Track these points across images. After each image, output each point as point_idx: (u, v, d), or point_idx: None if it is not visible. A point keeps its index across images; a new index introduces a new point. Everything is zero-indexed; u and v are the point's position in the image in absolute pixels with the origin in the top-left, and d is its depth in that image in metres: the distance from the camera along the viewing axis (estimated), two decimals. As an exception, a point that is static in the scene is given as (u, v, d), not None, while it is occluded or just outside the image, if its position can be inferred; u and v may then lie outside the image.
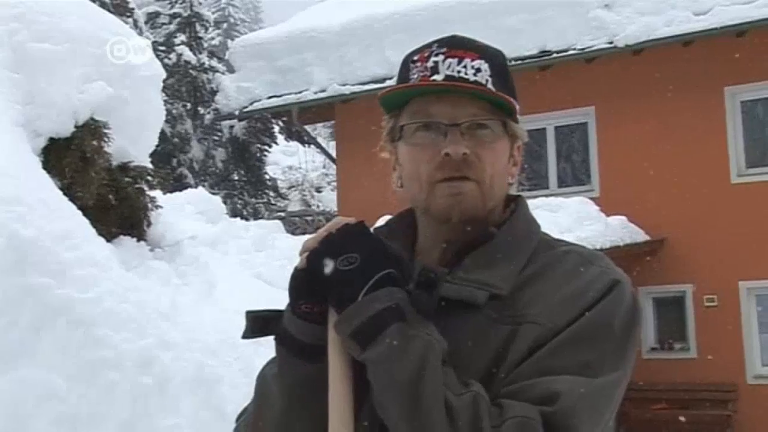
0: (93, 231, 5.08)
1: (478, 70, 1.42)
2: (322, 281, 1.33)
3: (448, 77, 1.40)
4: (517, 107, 1.47)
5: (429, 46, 1.46)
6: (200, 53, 23.11)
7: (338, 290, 1.32)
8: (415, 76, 1.43)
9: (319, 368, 1.34)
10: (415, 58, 1.45)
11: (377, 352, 1.27)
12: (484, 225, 1.44)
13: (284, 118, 17.66)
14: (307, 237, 1.41)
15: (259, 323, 1.43)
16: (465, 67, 1.41)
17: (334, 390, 1.32)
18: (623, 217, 11.87)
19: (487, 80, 1.42)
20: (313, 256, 1.34)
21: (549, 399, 1.24)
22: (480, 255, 1.41)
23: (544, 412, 1.22)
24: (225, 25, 38.48)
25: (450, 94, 1.41)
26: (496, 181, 1.43)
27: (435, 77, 1.41)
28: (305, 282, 1.36)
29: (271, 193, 24.74)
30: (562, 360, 1.28)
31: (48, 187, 5.11)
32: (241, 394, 4.99)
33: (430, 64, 1.42)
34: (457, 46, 1.44)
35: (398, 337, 1.26)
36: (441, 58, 1.42)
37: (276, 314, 1.42)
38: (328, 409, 1.32)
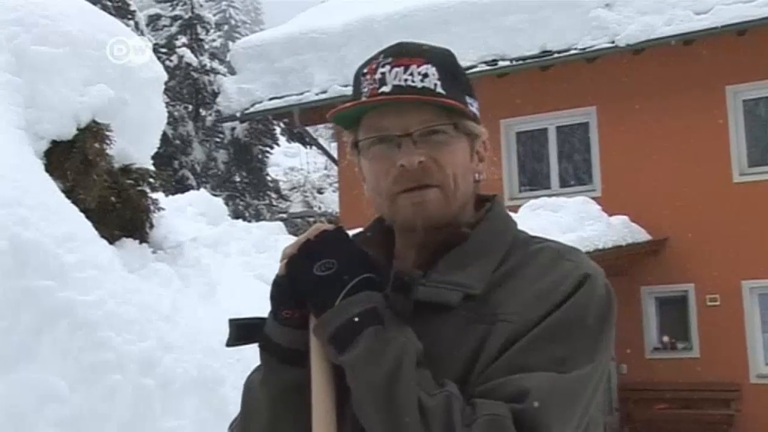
0: (95, 233, 5.08)
1: (425, 75, 1.42)
2: (301, 287, 1.36)
3: (395, 87, 1.41)
4: (472, 106, 1.47)
5: (376, 57, 1.47)
6: (201, 55, 23.15)
7: (316, 295, 1.35)
8: (365, 89, 1.44)
9: (304, 374, 1.37)
10: (365, 70, 1.47)
11: (353, 355, 1.29)
12: (455, 227, 1.45)
13: (285, 120, 17.66)
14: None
15: (242, 331, 1.45)
16: (412, 74, 1.42)
17: (317, 394, 1.35)
18: (625, 217, 11.88)
19: (435, 84, 1.42)
20: (292, 263, 1.38)
21: (519, 396, 1.26)
22: (453, 256, 1.42)
23: (514, 409, 1.24)
24: (226, 27, 38.54)
25: (399, 104, 1.42)
26: (459, 181, 1.43)
27: (383, 89, 1.42)
28: (285, 288, 1.39)
29: (273, 195, 24.79)
30: (535, 357, 1.30)
31: (50, 190, 5.10)
32: (244, 395, 4.99)
33: (377, 75, 1.43)
34: (402, 54, 1.45)
35: (374, 340, 1.29)
36: (387, 68, 1.43)
37: (259, 321, 1.44)
38: (312, 413, 1.34)
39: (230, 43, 23.40)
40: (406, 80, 1.42)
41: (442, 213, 1.42)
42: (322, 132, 25.00)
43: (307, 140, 18.62)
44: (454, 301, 1.36)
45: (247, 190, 23.89)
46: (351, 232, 1.47)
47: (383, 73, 1.43)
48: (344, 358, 1.30)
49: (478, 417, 1.24)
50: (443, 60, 1.46)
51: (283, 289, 1.39)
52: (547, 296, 1.34)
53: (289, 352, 1.39)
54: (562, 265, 1.39)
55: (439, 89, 1.42)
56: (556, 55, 12.89)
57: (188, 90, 22.73)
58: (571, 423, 1.31)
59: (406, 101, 1.41)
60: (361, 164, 1.49)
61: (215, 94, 20.24)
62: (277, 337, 1.40)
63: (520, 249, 1.44)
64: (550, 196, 12.11)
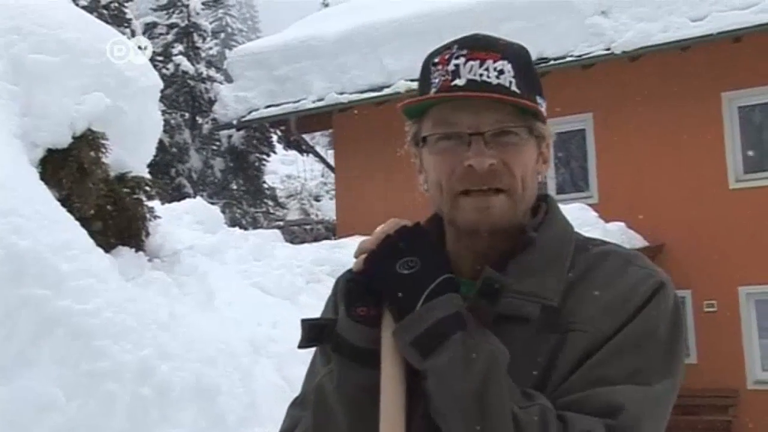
0: (91, 242, 5.07)
1: (501, 71, 1.34)
2: (382, 285, 1.30)
3: (470, 81, 1.34)
4: (542, 106, 1.42)
5: (449, 47, 1.38)
6: (198, 63, 23.13)
7: (398, 295, 1.29)
8: (436, 80, 1.36)
9: (378, 375, 1.31)
10: (436, 60, 1.38)
11: (439, 362, 1.24)
12: (520, 231, 1.39)
13: (282, 127, 17.65)
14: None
15: (314, 331, 1.38)
16: (487, 69, 1.34)
17: (387, 395, 1.29)
18: (622, 224, 11.87)
19: (510, 82, 1.35)
20: (372, 259, 1.31)
21: (612, 411, 1.22)
22: (523, 262, 1.37)
23: (608, 424, 1.21)
24: (223, 35, 38.53)
25: (472, 101, 1.34)
26: (528, 185, 1.37)
27: (456, 81, 1.34)
28: (363, 285, 1.33)
29: (270, 202, 24.73)
30: (615, 369, 1.26)
31: (46, 199, 5.10)
32: (240, 403, 4.99)
33: (450, 67, 1.35)
34: (478, 47, 1.37)
35: (461, 348, 1.23)
36: (462, 60, 1.35)
37: (331, 322, 1.38)
38: (380, 414, 1.28)
39: (227, 51, 23.40)
40: (481, 75, 1.34)
41: (507, 218, 1.36)
42: (319, 139, 25.00)
43: (303, 148, 18.62)
44: (534, 315, 1.31)
45: (244, 197, 23.85)
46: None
47: (457, 65, 1.35)
48: (428, 365, 1.24)
49: None
50: (518, 56, 1.39)
51: (360, 286, 1.32)
52: (622, 305, 1.31)
53: (363, 352, 1.32)
54: (632, 272, 1.35)
55: (514, 87, 1.35)
56: (552, 62, 12.90)
57: (185, 98, 22.69)
58: None
59: (481, 98, 1.33)
60: (422, 155, 1.42)
61: (212, 102, 20.21)
62: (350, 335, 1.33)
63: (582, 253, 1.39)
64: (547, 202, 12.10)
